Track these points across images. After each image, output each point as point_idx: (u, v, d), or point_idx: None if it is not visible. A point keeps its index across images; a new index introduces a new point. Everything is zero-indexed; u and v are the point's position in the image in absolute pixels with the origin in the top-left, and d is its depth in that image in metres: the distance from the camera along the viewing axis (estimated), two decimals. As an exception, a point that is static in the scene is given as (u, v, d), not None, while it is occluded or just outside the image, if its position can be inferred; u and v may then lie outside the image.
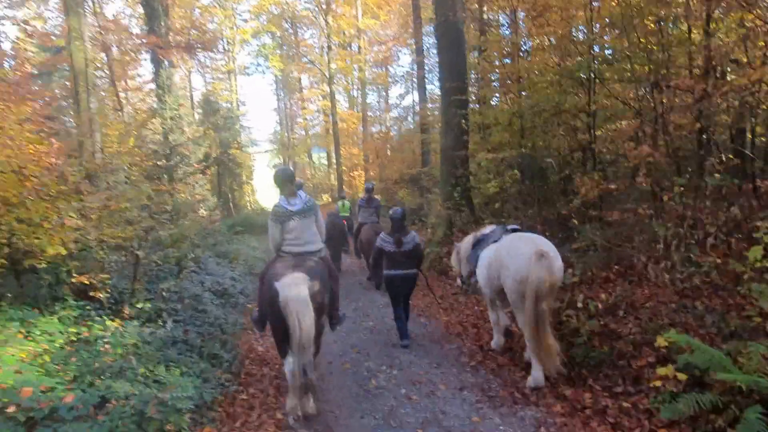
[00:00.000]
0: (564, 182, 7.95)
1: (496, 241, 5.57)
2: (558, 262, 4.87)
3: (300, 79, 38.37)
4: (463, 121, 10.79)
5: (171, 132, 19.09)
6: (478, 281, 5.98)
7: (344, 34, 28.76)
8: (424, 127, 20.80)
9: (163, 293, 7.08)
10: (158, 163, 18.25)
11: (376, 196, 10.79)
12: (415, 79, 35.98)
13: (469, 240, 6.62)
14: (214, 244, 13.78)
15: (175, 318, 6.51)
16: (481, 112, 10.48)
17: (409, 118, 33.63)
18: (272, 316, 4.46)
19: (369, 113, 33.37)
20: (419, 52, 20.93)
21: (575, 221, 7.00)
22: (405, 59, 54.40)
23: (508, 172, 9.48)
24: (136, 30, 23.34)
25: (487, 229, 6.26)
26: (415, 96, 37.01)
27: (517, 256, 4.86)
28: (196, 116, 27.80)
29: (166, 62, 23.88)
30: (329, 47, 27.58)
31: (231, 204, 28.78)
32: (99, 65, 25.45)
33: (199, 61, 34.81)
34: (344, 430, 4.53)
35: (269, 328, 4.88)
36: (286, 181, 4.95)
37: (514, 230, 5.71)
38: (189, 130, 26.15)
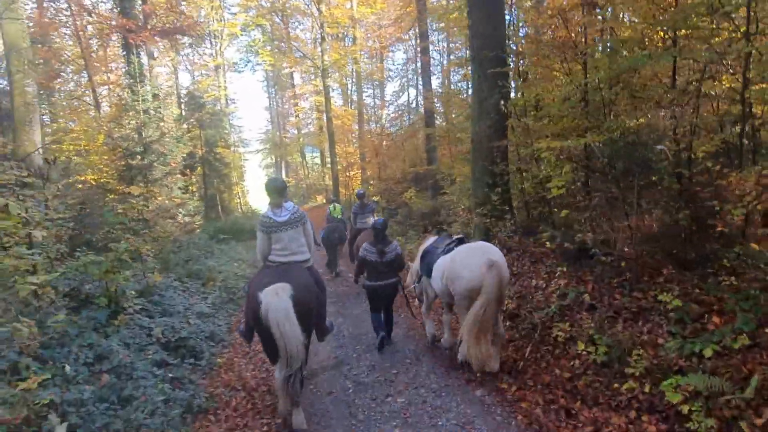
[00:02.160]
0: (684, 180, 5.05)
1: (446, 251, 5.65)
2: (506, 271, 4.96)
3: (292, 74, 35.30)
4: (502, 102, 7.91)
5: (144, 127, 16.03)
6: (426, 288, 6.29)
7: (338, 25, 25.68)
8: (429, 119, 17.91)
9: (65, 367, 4.13)
10: (131, 162, 15.23)
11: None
12: (411, 74, 33.21)
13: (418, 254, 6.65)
14: (187, 260, 10.78)
15: (72, 422, 3.58)
16: (540, 87, 7.52)
17: (405, 118, 30.82)
18: (257, 326, 4.24)
19: (364, 111, 30.39)
20: (423, 36, 17.98)
21: (749, 246, 4.10)
22: (400, 56, 51.55)
23: (568, 167, 6.54)
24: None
25: (430, 240, 6.51)
26: (412, 93, 34.30)
27: (470, 267, 4.93)
28: (184, 113, 24.68)
29: (142, 52, 20.89)
30: (322, 38, 24.52)
31: (219, 207, 25.71)
32: (72, 56, 22.56)
33: (186, 57, 31.81)
34: None
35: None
36: (273, 192, 4.67)
37: (461, 240, 5.82)
38: (172, 126, 23.16)
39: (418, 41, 19.12)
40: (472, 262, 4.93)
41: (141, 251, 7.07)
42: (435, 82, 28.92)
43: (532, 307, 6.24)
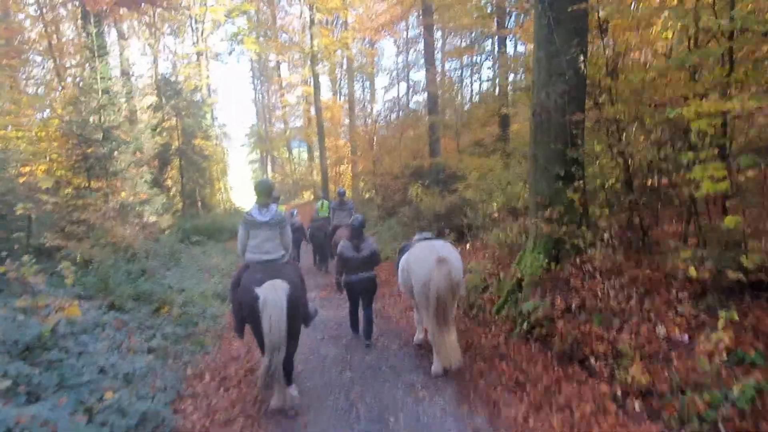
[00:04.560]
0: None
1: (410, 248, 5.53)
2: (456, 266, 4.82)
3: (279, 66, 32.14)
4: (582, 59, 5.17)
5: (104, 110, 12.97)
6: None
7: (329, 10, 22.58)
8: (433, 106, 15.13)
9: None
10: (87, 151, 12.21)
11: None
12: (402, 69, 30.31)
13: None
14: (141, 274, 7.84)
15: None
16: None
17: (396, 112, 27.94)
18: (252, 319, 4.24)
19: (355, 105, 27.45)
20: (427, 12, 15.20)
21: None
22: (391, 50, 49.41)
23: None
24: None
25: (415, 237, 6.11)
26: (402, 88, 31.38)
27: (421, 262, 4.87)
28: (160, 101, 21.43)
29: (110, 26, 17.81)
30: (312, 21, 21.49)
31: (199, 203, 22.55)
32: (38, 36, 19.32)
33: (167, 48, 28.54)
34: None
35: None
36: (262, 192, 4.70)
37: (427, 238, 5.60)
38: (139, 111, 20.03)
39: (421, 18, 16.27)
40: (423, 258, 4.88)
41: (27, 276, 4.16)
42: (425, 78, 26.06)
43: (676, 381, 3.53)
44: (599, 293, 4.72)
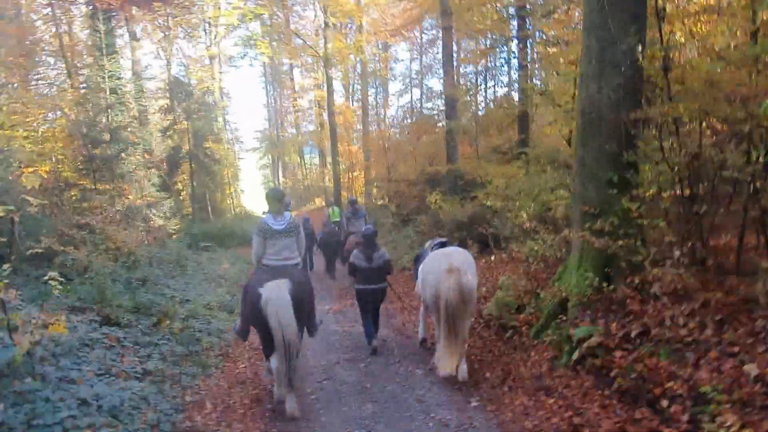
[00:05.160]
0: None
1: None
2: (468, 276, 4.68)
3: (291, 70, 31.66)
4: (640, 50, 4.49)
5: (111, 109, 12.48)
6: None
7: (343, 14, 22.01)
8: (451, 110, 14.42)
9: None
10: (94, 151, 11.66)
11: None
12: (415, 74, 29.67)
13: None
14: (141, 283, 7.21)
15: None
16: None
17: (408, 118, 27.25)
18: (255, 319, 4.28)
19: (368, 110, 26.81)
20: (445, 14, 14.50)
21: None
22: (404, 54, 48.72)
23: None
24: None
25: (427, 243, 6.38)
26: (416, 94, 30.70)
27: (433, 270, 4.87)
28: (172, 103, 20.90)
29: (122, 29, 17.38)
30: (326, 24, 20.94)
31: (209, 208, 21.98)
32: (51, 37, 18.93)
33: (180, 50, 28.17)
34: None
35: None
36: (274, 200, 4.70)
37: (443, 244, 5.71)
38: (148, 112, 19.51)
39: (440, 20, 15.61)
40: (435, 267, 4.84)
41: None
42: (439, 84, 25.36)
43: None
44: (666, 320, 3.99)
